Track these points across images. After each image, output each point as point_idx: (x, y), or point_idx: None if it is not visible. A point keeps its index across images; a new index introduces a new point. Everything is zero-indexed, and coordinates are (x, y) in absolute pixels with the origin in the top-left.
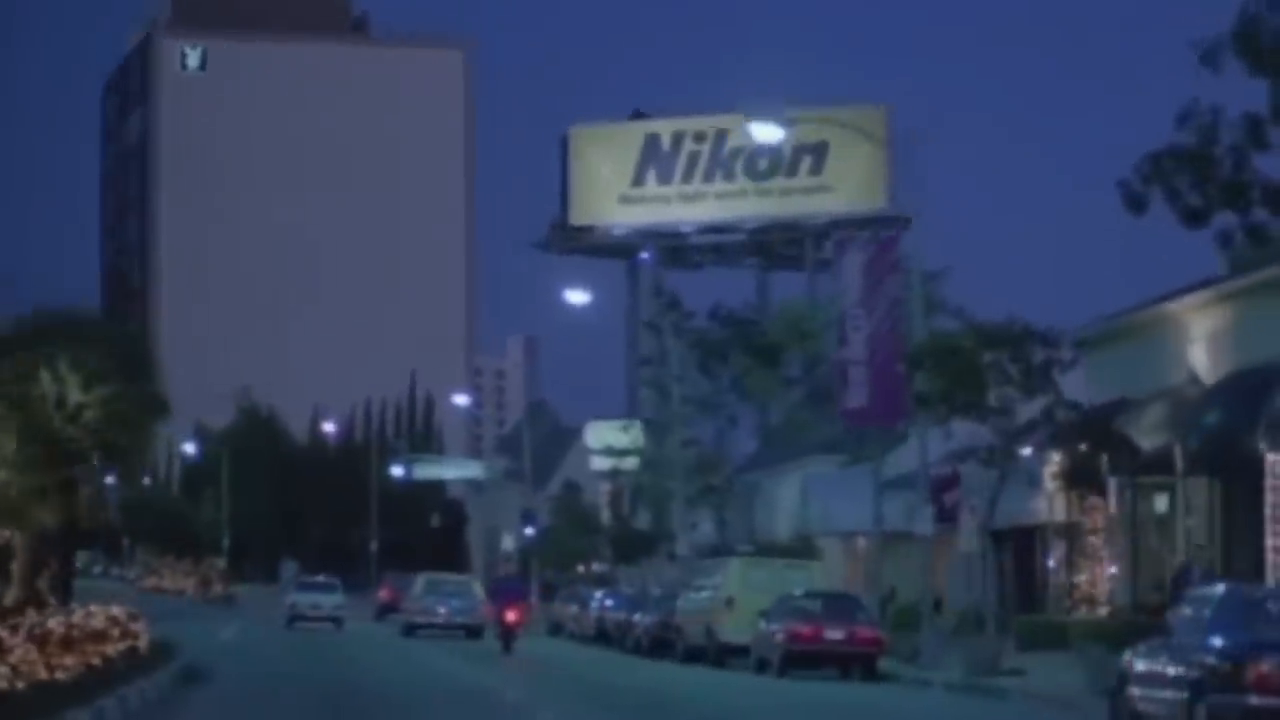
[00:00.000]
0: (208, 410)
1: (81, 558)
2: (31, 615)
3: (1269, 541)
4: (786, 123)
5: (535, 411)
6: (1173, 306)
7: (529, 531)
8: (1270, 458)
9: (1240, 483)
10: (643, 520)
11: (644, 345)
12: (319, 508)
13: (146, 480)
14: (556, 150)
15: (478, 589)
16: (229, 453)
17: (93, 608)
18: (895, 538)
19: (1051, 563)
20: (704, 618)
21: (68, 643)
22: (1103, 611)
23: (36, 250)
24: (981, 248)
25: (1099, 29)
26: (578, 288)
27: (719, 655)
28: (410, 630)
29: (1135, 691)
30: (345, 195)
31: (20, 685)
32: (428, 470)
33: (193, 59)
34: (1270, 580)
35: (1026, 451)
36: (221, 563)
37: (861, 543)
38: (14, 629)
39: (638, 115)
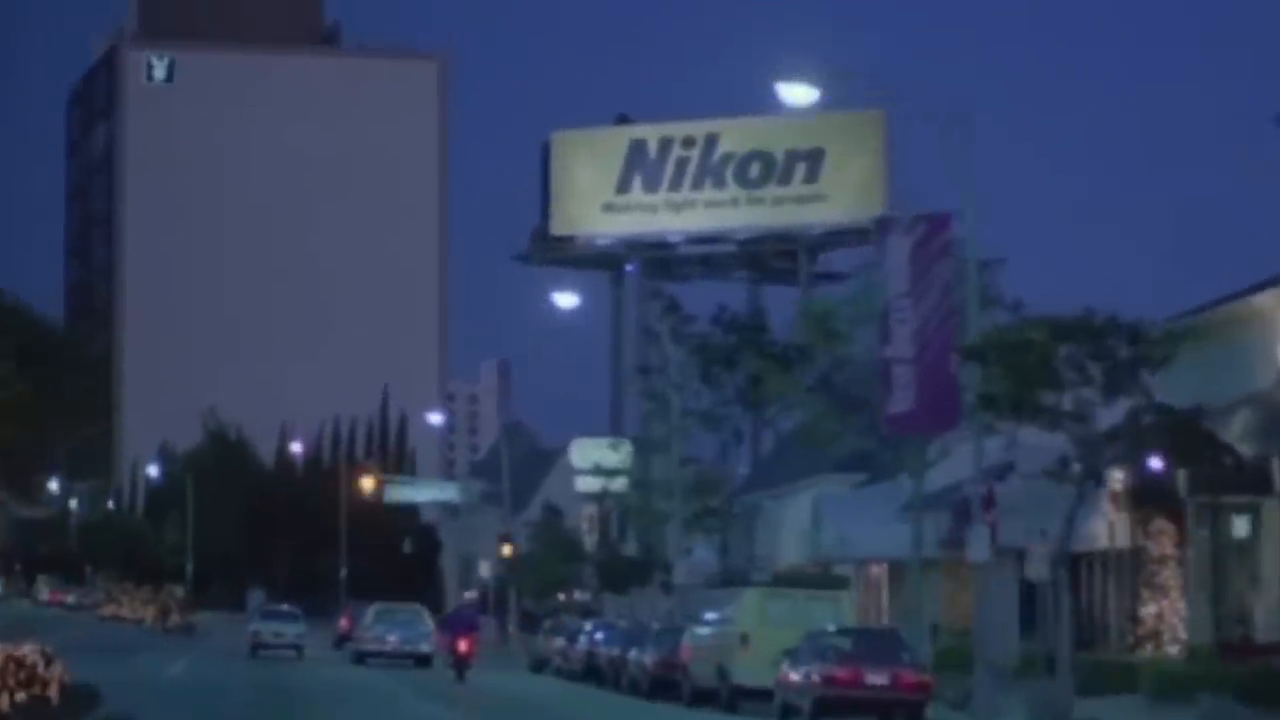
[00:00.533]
0: (174, 431)
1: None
2: None
3: None
4: (822, 83)
5: (512, 432)
6: (1261, 300)
7: (506, 552)
8: None
9: None
10: (632, 545)
11: (638, 354)
12: (287, 533)
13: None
14: (536, 159)
15: (427, 618)
16: (195, 475)
17: None
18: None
19: (1113, 595)
20: (714, 656)
21: None
22: (1173, 650)
23: None
24: (1026, 239)
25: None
26: (560, 297)
27: (732, 699)
28: (360, 658)
29: None
30: (316, 210)
31: None
32: (401, 493)
33: (160, 70)
34: None
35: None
36: (180, 590)
37: (874, 570)
38: None
39: (623, 120)
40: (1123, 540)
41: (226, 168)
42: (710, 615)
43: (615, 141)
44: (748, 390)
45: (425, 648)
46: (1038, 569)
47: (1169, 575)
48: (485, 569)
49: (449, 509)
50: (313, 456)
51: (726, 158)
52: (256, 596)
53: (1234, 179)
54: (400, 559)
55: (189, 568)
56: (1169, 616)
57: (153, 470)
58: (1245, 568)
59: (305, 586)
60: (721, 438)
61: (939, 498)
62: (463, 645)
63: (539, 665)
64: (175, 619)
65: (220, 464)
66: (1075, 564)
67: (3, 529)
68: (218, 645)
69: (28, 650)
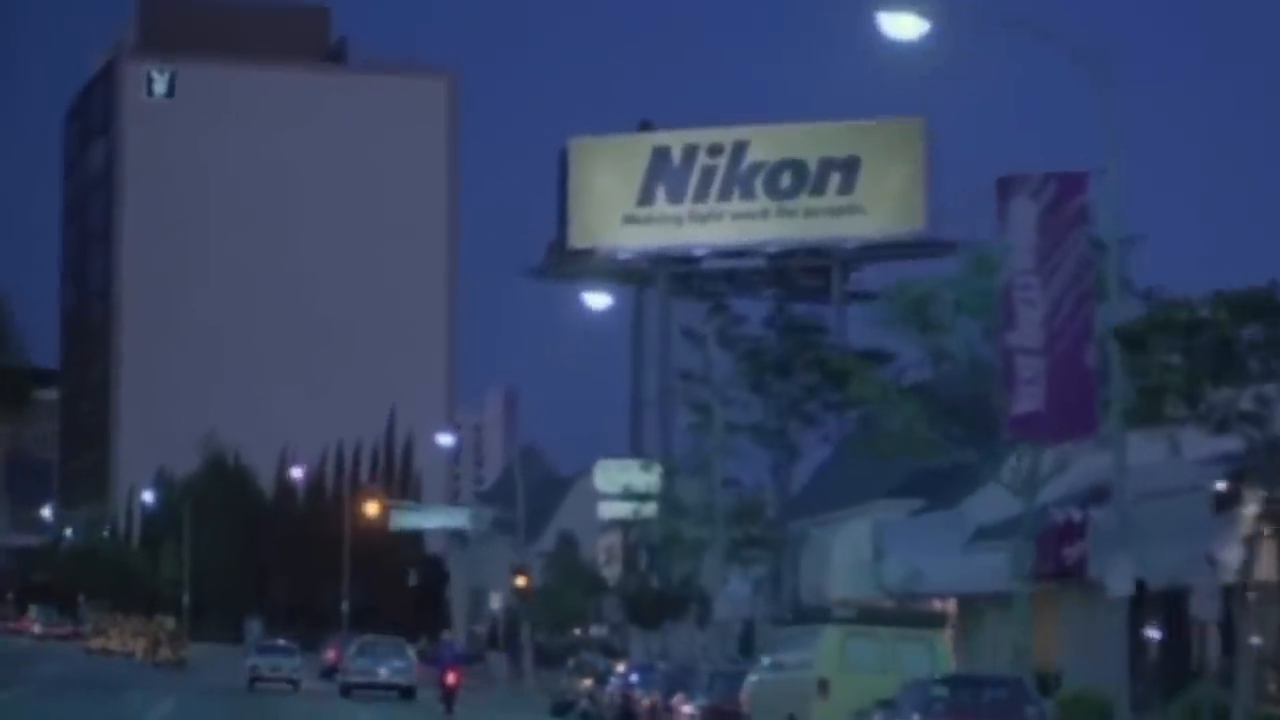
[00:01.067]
0: (171, 456)
1: None
2: None
3: None
4: (930, 14)
5: (526, 458)
6: None
7: (519, 583)
8: None
9: None
10: (663, 576)
11: (672, 362)
12: (287, 562)
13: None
14: (552, 174)
15: (410, 651)
16: (192, 502)
17: None
18: (992, 600)
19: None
20: (783, 704)
21: None
22: None
23: None
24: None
25: None
26: (591, 297)
27: None
28: (347, 690)
29: None
30: (320, 229)
31: None
32: (407, 519)
33: (160, 84)
34: None
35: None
36: (171, 622)
37: (937, 606)
38: None
39: (645, 127)
40: (1273, 573)
41: (228, 185)
42: (776, 656)
43: (637, 149)
44: (803, 399)
45: (409, 680)
46: (1205, 606)
47: None
48: (496, 601)
49: (457, 538)
50: (314, 483)
51: (756, 167)
52: (254, 628)
53: None
54: (404, 591)
55: (185, 597)
56: None
57: (148, 496)
58: None
59: (305, 618)
60: (773, 454)
61: (1008, 526)
62: (450, 678)
63: (563, 708)
64: (166, 652)
65: (218, 490)
66: (1177, 600)
67: None
68: (210, 681)
69: None
